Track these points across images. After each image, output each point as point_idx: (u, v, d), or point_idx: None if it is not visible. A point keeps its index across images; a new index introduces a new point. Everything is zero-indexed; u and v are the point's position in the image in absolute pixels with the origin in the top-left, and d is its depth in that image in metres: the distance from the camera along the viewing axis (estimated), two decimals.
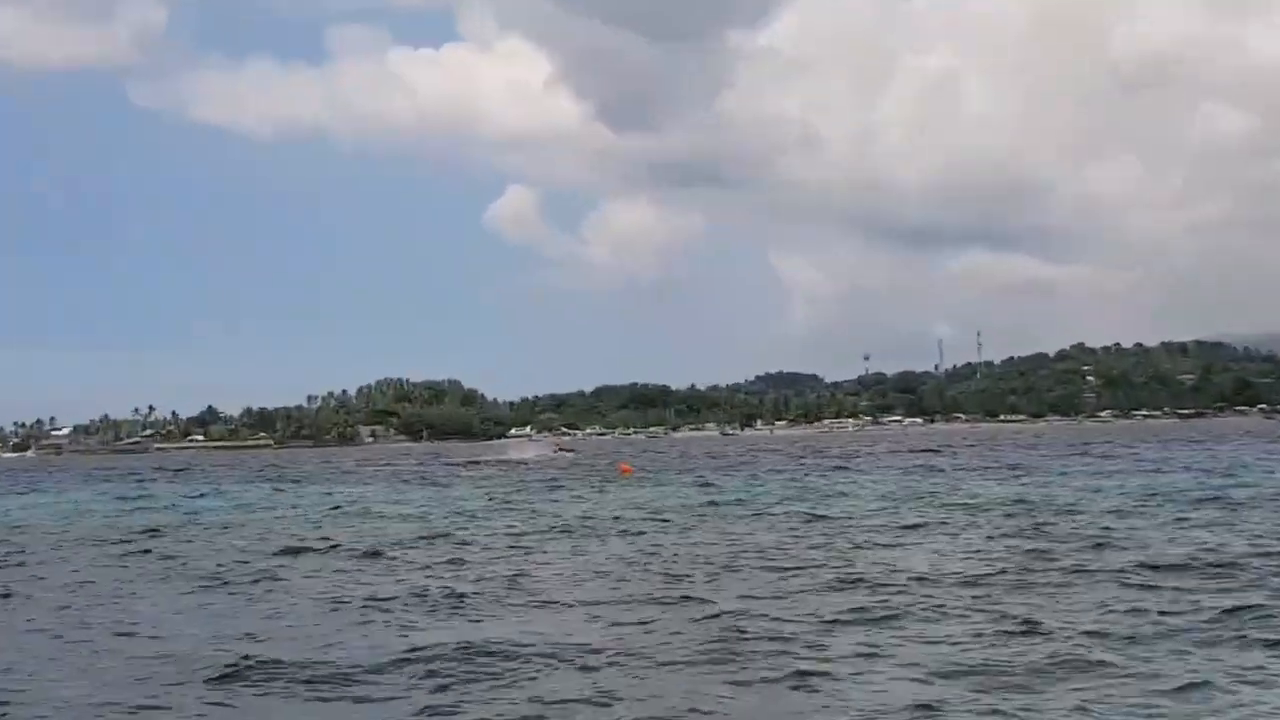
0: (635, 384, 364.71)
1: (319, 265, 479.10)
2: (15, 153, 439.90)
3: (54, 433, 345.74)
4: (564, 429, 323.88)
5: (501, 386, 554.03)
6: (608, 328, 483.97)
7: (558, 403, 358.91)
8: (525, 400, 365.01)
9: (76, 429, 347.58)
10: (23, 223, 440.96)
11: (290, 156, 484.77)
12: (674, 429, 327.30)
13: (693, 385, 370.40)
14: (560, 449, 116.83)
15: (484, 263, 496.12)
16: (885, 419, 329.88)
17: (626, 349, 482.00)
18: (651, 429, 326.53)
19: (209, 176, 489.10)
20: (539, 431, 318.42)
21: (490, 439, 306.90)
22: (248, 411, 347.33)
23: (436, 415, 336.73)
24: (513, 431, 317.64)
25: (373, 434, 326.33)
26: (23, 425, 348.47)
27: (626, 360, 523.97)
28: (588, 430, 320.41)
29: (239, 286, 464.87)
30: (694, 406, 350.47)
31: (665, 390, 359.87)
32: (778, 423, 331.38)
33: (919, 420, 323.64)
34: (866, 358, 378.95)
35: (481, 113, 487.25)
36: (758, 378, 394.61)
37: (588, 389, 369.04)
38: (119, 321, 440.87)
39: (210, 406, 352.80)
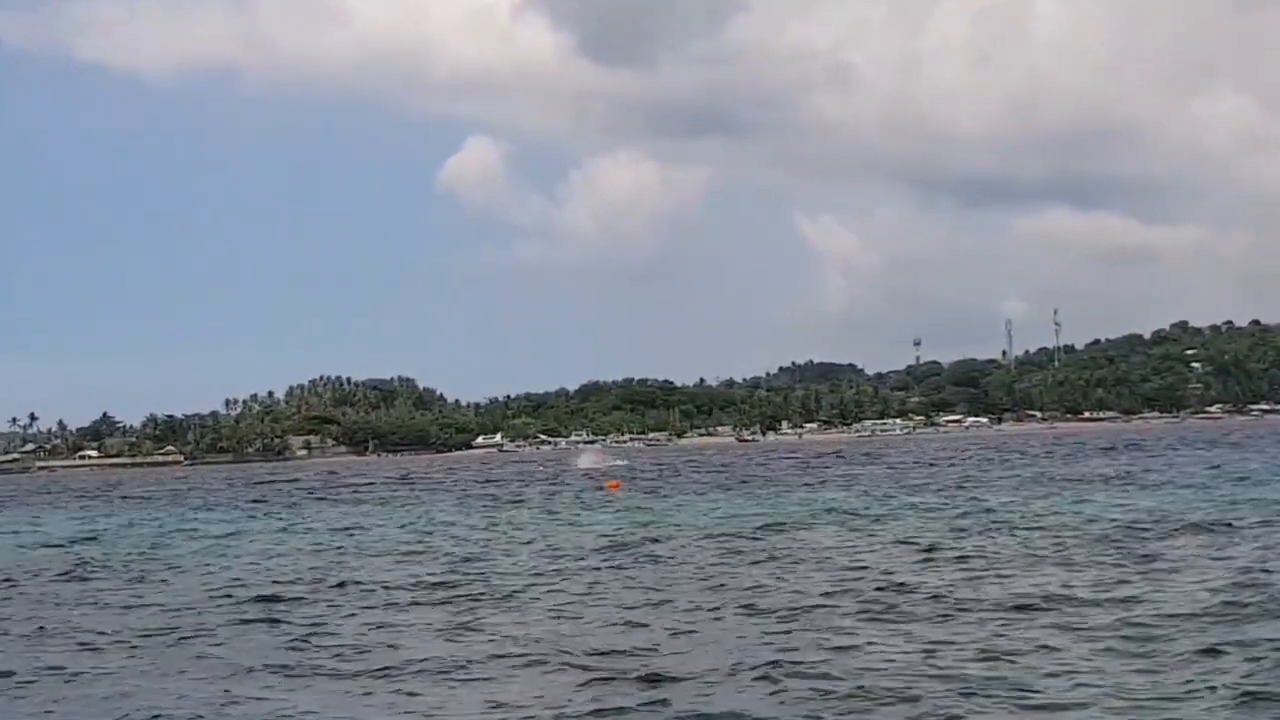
0: (630, 381, 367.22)
1: (235, 240, 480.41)
2: None
3: None
4: (542, 436, 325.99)
5: (464, 386, 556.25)
6: (594, 312, 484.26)
7: (534, 404, 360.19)
8: (494, 402, 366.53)
9: None
10: None
11: (195, 104, 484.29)
12: (679, 434, 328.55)
13: (701, 381, 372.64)
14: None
15: (438, 234, 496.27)
16: (941, 419, 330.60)
17: (618, 338, 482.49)
18: (651, 435, 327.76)
19: (95, 129, 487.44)
20: (513, 440, 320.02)
21: (452, 449, 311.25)
22: (152, 420, 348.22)
23: (386, 422, 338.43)
24: (479, 440, 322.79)
25: (306, 445, 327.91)
26: None
27: (618, 352, 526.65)
28: (572, 438, 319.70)
29: (137, 268, 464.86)
30: (703, 407, 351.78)
31: (667, 388, 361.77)
32: (807, 425, 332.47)
33: (983, 420, 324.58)
34: (917, 343, 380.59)
35: (433, 48, 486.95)
36: (782, 370, 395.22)
37: (571, 387, 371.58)
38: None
39: (105, 415, 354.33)
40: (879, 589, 24.58)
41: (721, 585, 25.94)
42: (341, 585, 28.61)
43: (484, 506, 59.41)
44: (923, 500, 48.14)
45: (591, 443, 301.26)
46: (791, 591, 24.86)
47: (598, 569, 30.76)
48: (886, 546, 31.61)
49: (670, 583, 27.02)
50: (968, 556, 29.32)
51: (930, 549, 31.24)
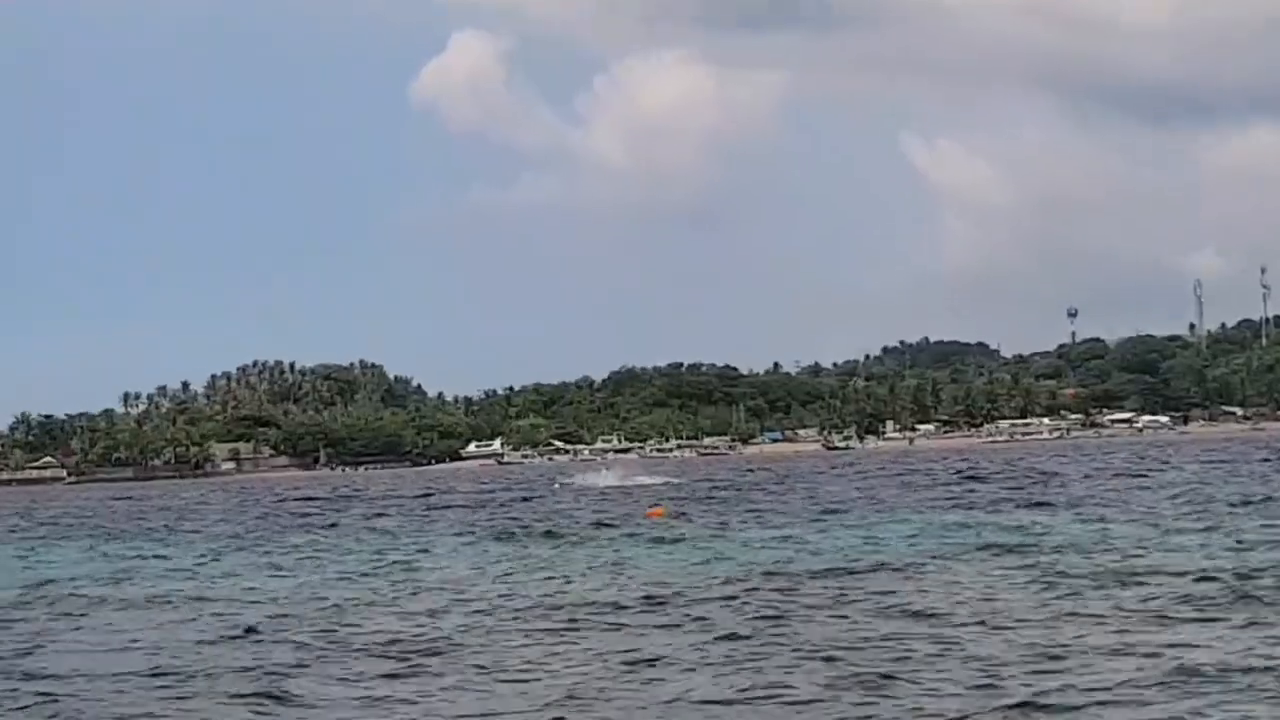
0: (677, 367, 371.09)
1: (133, 181, 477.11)
2: None
3: None
4: (556, 442, 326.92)
5: (450, 375, 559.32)
6: (628, 273, 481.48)
7: (546, 400, 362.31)
8: (491, 397, 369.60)
9: None
10: None
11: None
12: (745, 440, 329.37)
13: (775, 367, 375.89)
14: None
15: (413, 166, 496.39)
16: (1105, 417, 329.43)
17: (661, 309, 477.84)
18: (708, 441, 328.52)
19: None
20: (517, 448, 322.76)
21: (434, 460, 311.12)
22: (22, 422, 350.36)
23: (343, 424, 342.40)
24: (471, 448, 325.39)
25: (234, 456, 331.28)
26: None
27: (661, 328, 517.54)
28: (598, 444, 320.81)
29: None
30: (779, 402, 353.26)
31: (729, 376, 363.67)
32: (921, 427, 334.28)
33: (1162, 419, 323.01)
34: (1073, 314, 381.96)
35: None
36: (887, 352, 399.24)
37: (597, 377, 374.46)
38: None
39: None
40: None
41: None
42: None
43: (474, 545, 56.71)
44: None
45: (625, 451, 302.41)
46: None
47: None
48: None
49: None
50: None
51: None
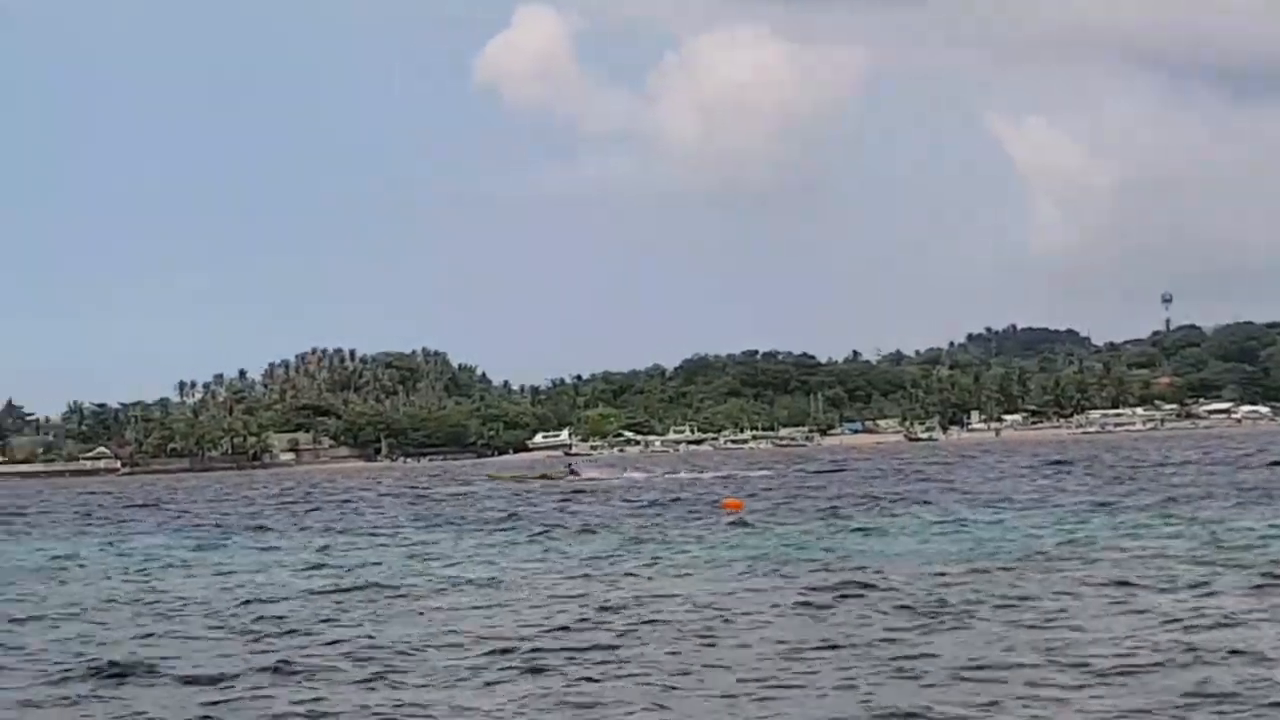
0: (752, 355, 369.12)
1: (188, 161, 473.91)
2: None
3: None
4: (626, 433, 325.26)
5: (515, 363, 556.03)
6: (700, 258, 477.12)
7: (616, 389, 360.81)
8: (558, 386, 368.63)
9: None
10: None
11: None
12: (823, 430, 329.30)
13: (855, 355, 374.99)
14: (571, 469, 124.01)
15: (475, 147, 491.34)
16: (1201, 407, 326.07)
17: (735, 294, 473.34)
18: (784, 432, 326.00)
19: None
20: (585, 438, 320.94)
21: (499, 451, 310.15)
22: (75, 412, 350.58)
23: (405, 413, 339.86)
24: (538, 438, 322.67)
25: (293, 447, 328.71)
26: None
27: (735, 315, 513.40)
28: (670, 434, 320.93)
29: (49, 204, 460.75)
30: (858, 392, 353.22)
31: (806, 364, 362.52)
32: (1008, 418, 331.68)
33: (1262, 409, 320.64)
34: (1167, 300, 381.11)
35: None
36: (972, 340, 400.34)
37: (669, 365, 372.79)
38: None
39: (10, 404, 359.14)
40: None
41: None
42: None
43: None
44: None
45: (697, 442, 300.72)
46: None
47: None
48: None
49: None
50: None
51: None
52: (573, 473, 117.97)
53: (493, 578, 40.62)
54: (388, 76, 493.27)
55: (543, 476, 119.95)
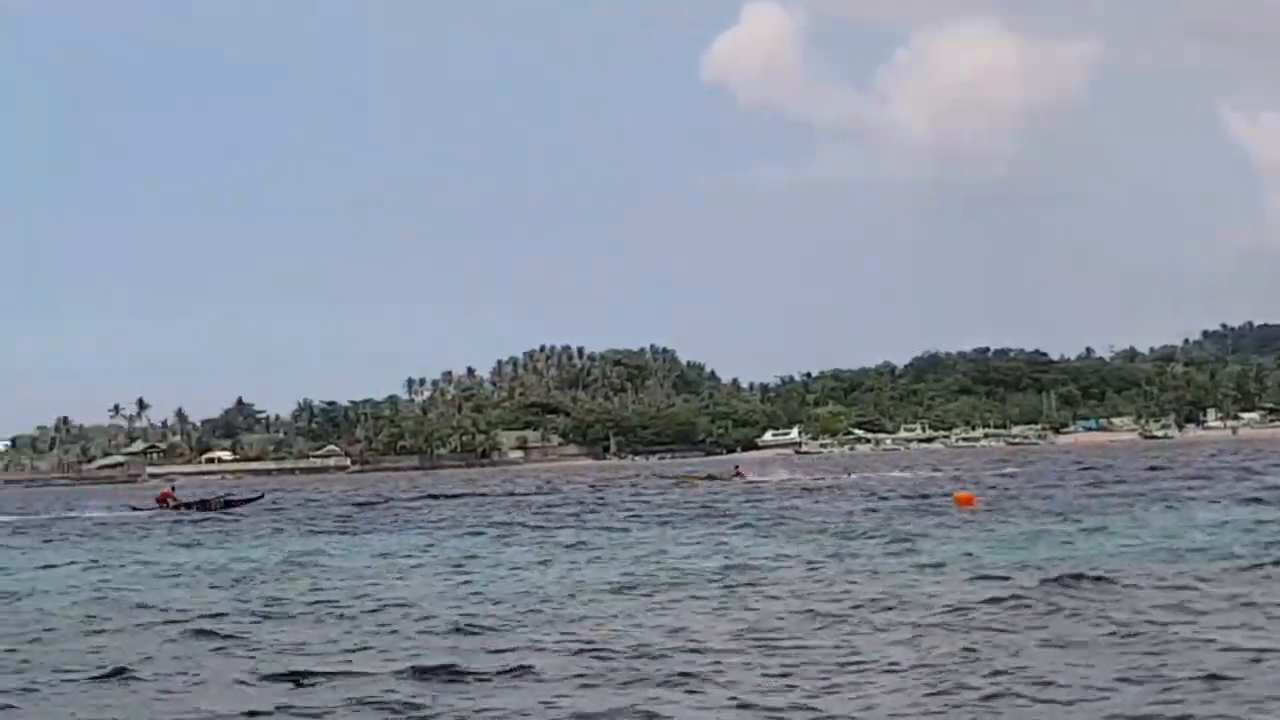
0: (984, 352, 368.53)
1: (414, 155, 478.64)
2: None
3: None
4: (857, 431, 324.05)
5: (745, 361, 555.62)
6: (931, 254, 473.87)
7: (846, 387, 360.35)
8: (788, 383, 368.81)
9: (16, 443, 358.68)
10: None
11: None
12: (1056, 428, 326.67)
13: (1088, 352, 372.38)
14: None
15: (704, 144, 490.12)
16: None
17: (966, 291, 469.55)
18: (1016, 430, 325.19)
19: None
20: (815, 436, 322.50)
21: (728, 449, 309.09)
22: (305, 409, 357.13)
23: (634, 411, 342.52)
24: (767, 436, 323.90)
25: (521, 445, 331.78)
26: None
27: (966, 311, 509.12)
28: (901, 433, 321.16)
29: (277, 199, 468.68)
30: (1092, 389, 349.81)
31: (1038, 362, 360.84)
32: (1245, 416, 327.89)
33: None
34: None
35: None
36: (1208, 336, 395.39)
37: (899, 363, 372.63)
38: (72, 270, 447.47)
39: (240, 401, 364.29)
40: None
41: None
42: None
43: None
44: None
45: (928, 440, 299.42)
46: None
47: None
48: None
49: None
50: None
51: None
52: (738, 474, 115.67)
53: (741, 565, 40.05)
54: (615, 73, 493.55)
55: (709, 477, 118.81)
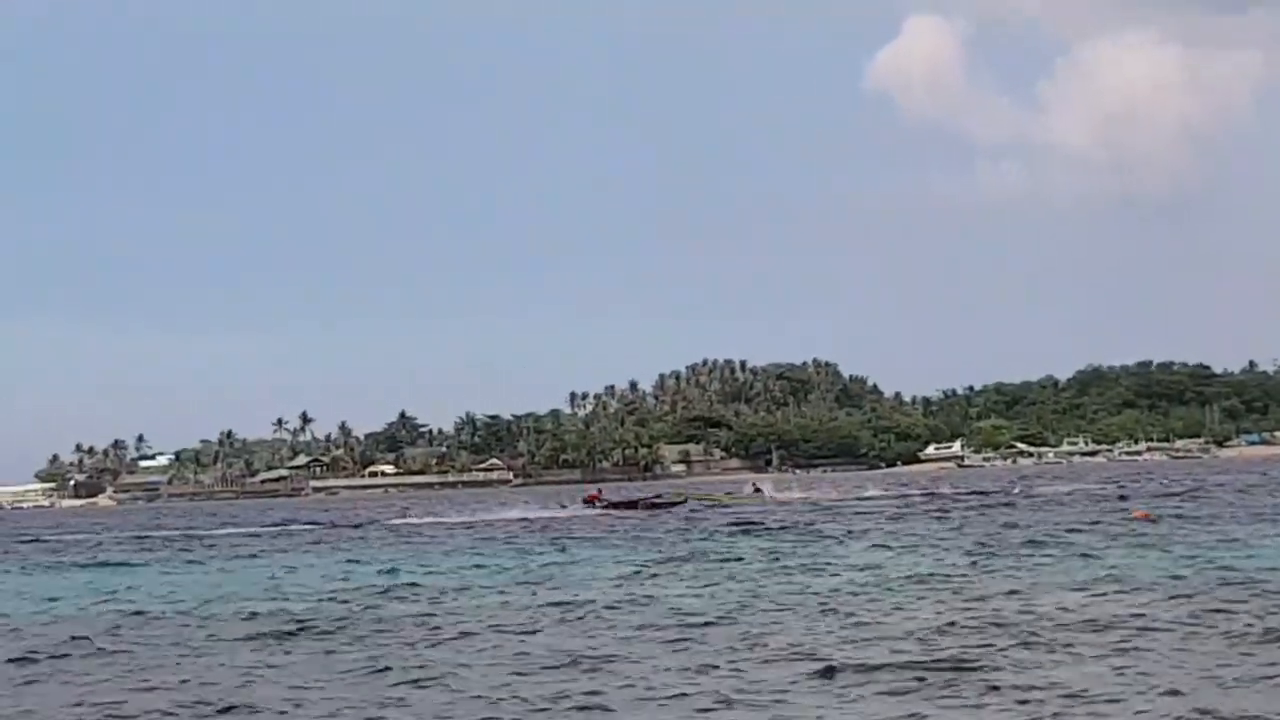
0: (1146, 366, 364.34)
1: (572, 169, 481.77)
2: None
3: (144, 463, 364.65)
4: (1019, 445, 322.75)
5: (907, 374, 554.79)
6: (1093, 266, 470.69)
7: (1008, 400, 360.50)
8: (950, 397, 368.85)
9: (180, 457, 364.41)
10: None
11: None
12: (1220, 442, 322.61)
13: (1251, 365, 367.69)
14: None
15: (865, 156, 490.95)
16: None
17: (1129, 304, 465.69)
18: (1180, 444, 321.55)
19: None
20: (977, 450, 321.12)
21: (890, 462, 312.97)
22: (467, 423, 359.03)
23: (796, 424, 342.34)
24: (930, 450, 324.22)
25: (684, 458, 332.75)
26: (90, 452, 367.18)
27: (1130, 324, 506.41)
28: (1063, 446, 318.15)
29: (435, 213, 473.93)
30: (1256, 403, 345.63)
31: (1202, 375, 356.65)
32: None
33: None
34: None
35: None
36: None
37: (1062, 376, 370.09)
38: (235, 284, 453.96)
39: (403, 415, 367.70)
40: None
41: None
42: None
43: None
44: None
45: (1091, 454, 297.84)
46: None
47: None
48: None
49: None
50: None
51: None
52: (757, 491, 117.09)
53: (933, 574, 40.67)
54: (778, 86, 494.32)
55: (727, 495, 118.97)
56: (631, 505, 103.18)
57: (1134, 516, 69.71)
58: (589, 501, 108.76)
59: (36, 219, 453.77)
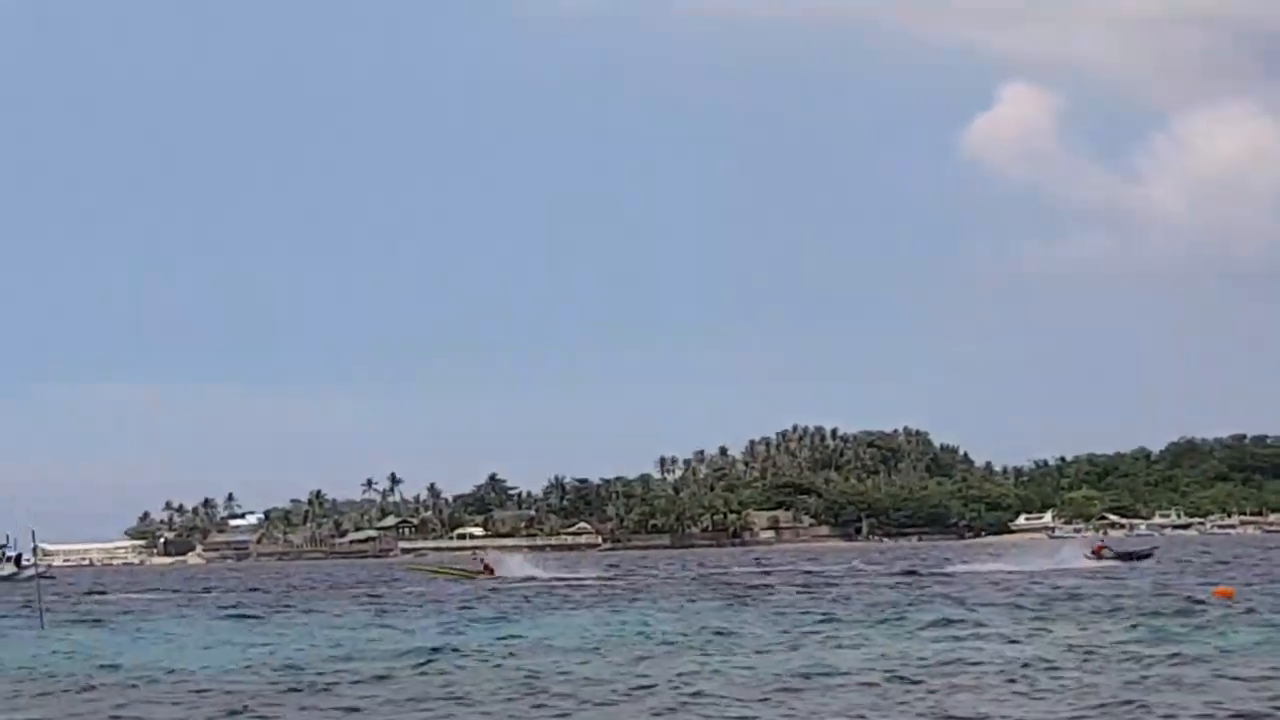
0: (1240, 439, 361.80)
1: (662, 233, 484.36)
2: None
3: (233, 521, 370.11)
4: (1110, 516, 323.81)
5: (998, 444, 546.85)
6: (1188, 337, 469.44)
7: (1100, 472, 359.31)
8: (1041, 467, 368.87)
9: (270, 516, 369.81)
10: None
11: (591, 33, 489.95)
12: None
13: None
14: None
15: (958, 223, 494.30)
16: None
17: (1223, 375, 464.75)
18: (1274, 518, 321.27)
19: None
20: (1068, 521, 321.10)
21: (980, 532, 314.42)
22: (556, 486, 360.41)
23: (886, 493, 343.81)
24: (1020, 520, 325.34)
25: (773, 525, 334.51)
26: (180, 510, 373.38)
27: (1224, 396, 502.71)
28: (1155, 519, 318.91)
29: (527, 271, 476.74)
30: None
31: None
32: None
33: None
34: None
35: None
36: None
37: (1154, 448, 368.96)
38: (328, 345, 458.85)
39: (493, 478, 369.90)
40: None
41: None
42: None
43: None
44: None
45: (1184, 527, 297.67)
46: None
47: None
48: None
49: None
50: None
51: None
52: (487, 569, 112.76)
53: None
54: (872, 153, 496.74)
55: (462, 571, 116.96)
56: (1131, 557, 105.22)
57: (1215, 594, 66.39)
58: (1095, 554, 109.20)
59: (126, 280, 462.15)
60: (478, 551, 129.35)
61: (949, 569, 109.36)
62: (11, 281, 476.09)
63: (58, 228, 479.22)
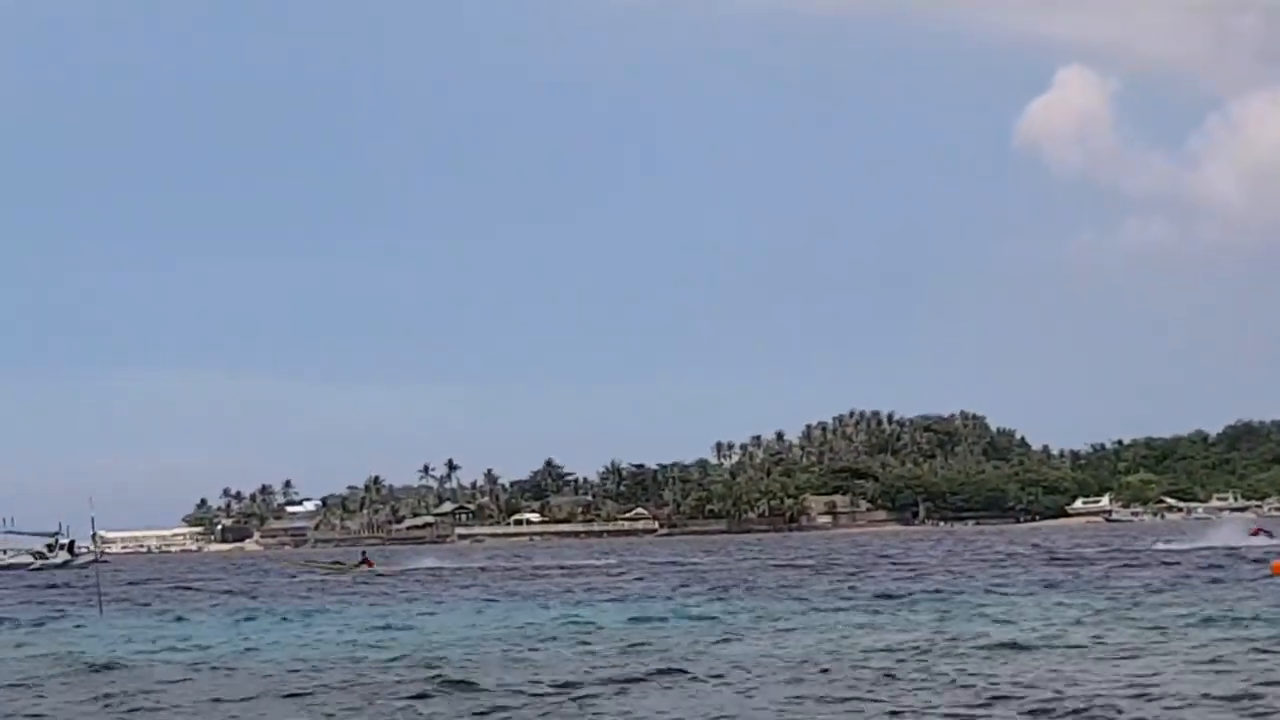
0: None
1: (716, 220, 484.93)
2: None
3: (290, 508, 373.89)
4: (1168, 499, 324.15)
5: (1055, 427, 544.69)
6: (1245, 322, 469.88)
7: (1157, 455, 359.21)
8: (1098, 451, 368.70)
9: (327, 503, 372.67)
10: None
11: (635, 26, 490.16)
12: None
13: None
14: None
15: (1015, 210, 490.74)
16: None
17: (1278, 360, 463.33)
18: None
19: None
20: (1126, 504, 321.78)
21: (1037, 516, 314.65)
22: (613, 472, 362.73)
23: (943, 477, 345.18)
24: (1077, 504, 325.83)
25: (830, 509, 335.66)
26: (237, 497, 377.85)
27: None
28: (1213, 501, 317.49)
29: (589, 263, 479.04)
30: None
31: None
32: None
33: None
34: None
35: None
36: None
37: (1212, 431, 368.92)
38: (385, 334, 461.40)
39: (549, 464, 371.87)
40: None
41: None
42: None
43: None
44: None
45: (1241, 509, 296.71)
46: None
47: None
48: None
49: None
50: None
51: None
52: (365, 563, 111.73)
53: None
54: (924, 138, 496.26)
55: (336, 564, 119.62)
56: None
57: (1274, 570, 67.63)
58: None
59: (190, 272, 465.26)
60: (366, 550, 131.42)
61: (1156, 546, 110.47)
62: (76, 274, 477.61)
63: (129, 219, 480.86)
